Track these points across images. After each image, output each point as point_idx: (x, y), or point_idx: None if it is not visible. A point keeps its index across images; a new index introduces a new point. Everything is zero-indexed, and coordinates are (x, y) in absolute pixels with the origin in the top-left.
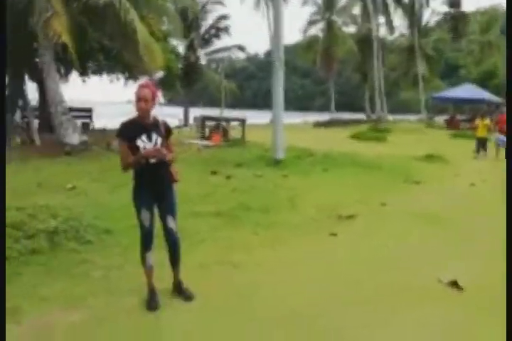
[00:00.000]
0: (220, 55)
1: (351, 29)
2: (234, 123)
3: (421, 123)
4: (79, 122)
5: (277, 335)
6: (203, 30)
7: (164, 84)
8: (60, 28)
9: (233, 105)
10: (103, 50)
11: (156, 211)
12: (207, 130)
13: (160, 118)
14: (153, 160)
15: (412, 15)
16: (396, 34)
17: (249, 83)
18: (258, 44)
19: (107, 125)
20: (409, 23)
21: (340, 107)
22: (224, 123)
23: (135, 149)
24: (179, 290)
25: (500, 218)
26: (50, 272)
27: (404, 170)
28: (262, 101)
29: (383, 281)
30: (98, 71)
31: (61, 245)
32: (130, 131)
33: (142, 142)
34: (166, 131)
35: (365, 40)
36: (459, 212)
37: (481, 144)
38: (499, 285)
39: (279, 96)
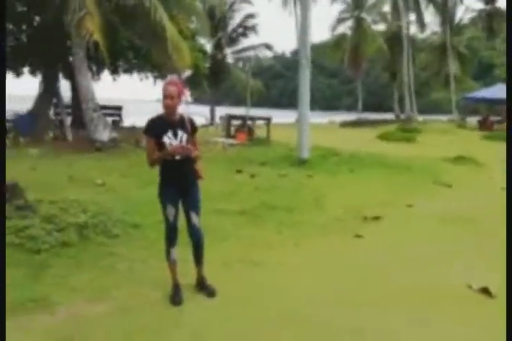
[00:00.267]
0: (247, 53)
1: (381, 27)
2: (259, 122)
3: (452, 123)
4: (109, 119)
5: (296, 334)
6: (230, 28)
7: (192, 82)
8: (93, 27)
9: (259, 104)
10: (133, 48)
11: (181, 207)
12: (232, 129)
13: (186, 115)
14: (178, 157)
15: (445, 12)
16: (427, 32)
17: (276, 82)
18: (285, 42)
19: (136, 123)
20: (441, 20)
21: (368, 107)
22: (249, 122)
23: (161, 145)
24: (202, 286)
25: None
26: (79, 264)
27: (434, 172)
28: (287, 100)
29: (408, 285)
30: (128, 69)
31: (90, 238)
32: (157, 127)
33: (168, 139)
34: (192, 128)
35: (394, 38)
36: (488, 216)
37: None
38: None
39: (305, 95)
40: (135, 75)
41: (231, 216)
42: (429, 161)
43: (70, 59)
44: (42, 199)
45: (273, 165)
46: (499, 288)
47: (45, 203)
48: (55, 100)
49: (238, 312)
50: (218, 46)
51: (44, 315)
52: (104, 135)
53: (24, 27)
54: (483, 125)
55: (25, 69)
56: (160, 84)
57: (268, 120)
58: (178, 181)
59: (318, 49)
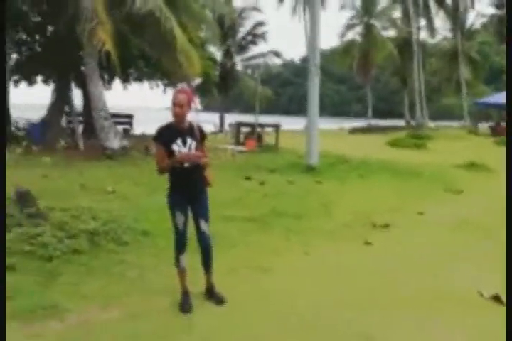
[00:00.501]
0: (256, 61)
1: (390, 33)
2: (268, 129)
3: (464, 129)
4: (120, 128)
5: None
6: (239, 36)
7: (201, 90)
8: (104, 37)
9: (268, 111)
10: (144, 57)
11: (190, 214)
12: (241, 136)
13: (195, 123)
14: (186, 164)
15: (456, 17)
16: (438, 37)
17: (285, 89)
18: (294, 49)
19: (146, 130)
20: (452, 25)
21: (377, 113)
22: (259, 129)
23: (171, 153)
24: (211, 293)
25: None
26: (90, 271)
27: (445, 179)
28: (296, 106)
29: (418, 292)
30: (139, 78)
31: (101, 246)
32: (166, 135)
33: (177, 146)
34: (201, 136)
35: (404, 44)
36: (500, 223)
37: None
38: None
39: (314, 102)
40: (145, 83)
41: (239, 222)
42: (439, 168)
43: (82, 68)
44: (53, 207)
45: (282, 172)
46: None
47: (56, 211)
48: (67, 108)
49: (247, 318)
50: (227, 54)
51: (55, 321)
52: (114, 143)
53: (38, 37)
54: (496, 131)
55: (39, 79)
56: (170, 92)
57: (277, 127)
58: (187, 188)
59: (327, 55)
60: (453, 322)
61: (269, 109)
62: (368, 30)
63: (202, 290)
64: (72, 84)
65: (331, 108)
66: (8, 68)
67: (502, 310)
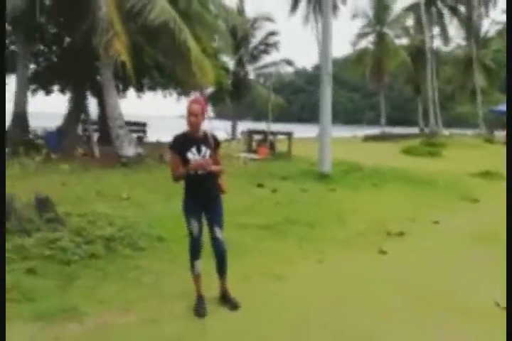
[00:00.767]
0: (268, 69)
1: (403, 41)
2: (281, 137)
3: (479, 138)
4: (134, 135)
5: None
6: (251, 46)
7: (214, 98)
8: (120, 48)
9: (280, 119)
10: (158, 67)
11: (204, 221)
12: (254, 143)
13: (209, 131)
14: (201, 172)
15: (469, 25)
16: (452, 45)
17: (297, 97)
18: (306, 57)
19: (159, 138)
20: (466, 33)
21: (391, 121)
22: (271, 137)
23: (186, 161)
24: (226, 299)
25: None
26: (107, 276)
27: (460, 187)
28: (309, 114)
29: (433, 303)
30: (153, 87)
31: (117, 251)
32: (181, 144)
33: (192, 154)
34: (215, 144)
35: (417, 52)
36: None
37: None
38: None
39: (326, 110)
40: (159, 92)
41: (253, 230)
42: (454, 176)
43: (98, 77)
44: (71, 213)
45: (294, 179)
46: None
47: (74, 216)
48: (83, 117)
49: (260, 325)
50: (240, 63)
51: (74, 324)
52: (129, 151)
53: (54, 48)
54: None
55: (55, 88)
56: (183, 100)
57: (289, 135)
58: (201, 195)
59: (339, 63)
60: (468, 333)
61: (282, 116)
62: (381, 39)
63: (216, 296)
64: (88, 93)
65: (343, 116)
66: (26, 78)
67: None
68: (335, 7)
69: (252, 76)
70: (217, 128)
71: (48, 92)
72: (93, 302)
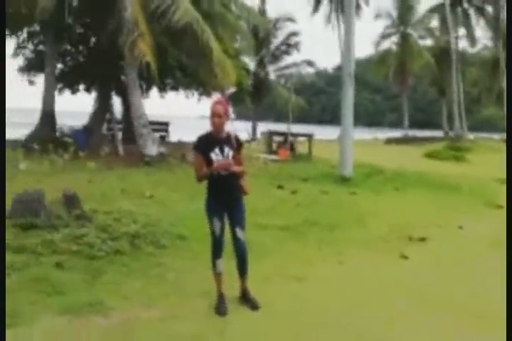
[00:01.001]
0: (289, 70)
1: (427, 42)
2: (301, 139)
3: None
4: (157, 135)
5: None
6: (273, 46)
7: (235, 99)
8: (145, 49)
9: (300, 120)
10: (181, 67)
11: (226, 221)
12: (274, 145)
13: (232, 132)
14: (224, 173)
15: (497, 26)
16: (479, 46)
17: (317, 98)
18: (327, 58)
19: (181, 138)
20: (493, 34)
21: (414, 124)
22: (291, 138)
23: (209, 161)
24: (246, 299)
25: None
26: (131, 272)
27: (485, 193)
28: (329, 116)
29: (455, 309)
30: (175, 87)
31: (140, 248)
32: (205, 144)
33: (215, 155)
34: (238, 145)
35: (442, 54)
36: None
37: None
38: None
39: (348, 112)
40: (181, 92)
41: (273, 231)
42: (479, 181)
43: (122, 77)
44: (97, 210)
45: (315, 181)
46: None
47: (99, 213)
48: (108, 116)
49: (279, 325)
50: (261, 63)
51: (100, 318)
52: (152, 150)
53: (81, 48)
54: None
55: (81, 87)
56: (204, 101)
57: (310, 137)
58: (224, 195)
59: (361, 64)
60: (489, 340)
61: (302, 118)
62: (405, 40)
63: (237, 295)
64: (112, 93)
65: (365, 117)
66: (54, 77)
67: None
68: (358, 7)
69: (272, 77)
70: (238, 129)
71: (74, 91)
72: (118, 298)
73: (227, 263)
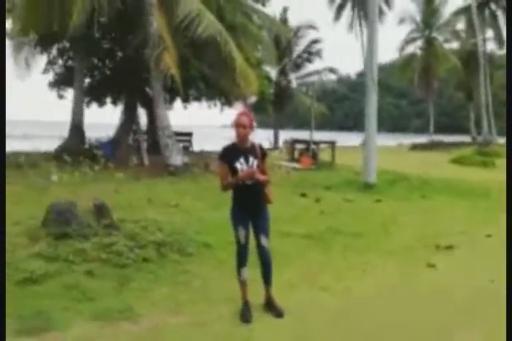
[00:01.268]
0: (311, 78)
1: (453, 45)
2: (323, 146)
3: None
4: (180, 145)
5: None
6: (295, 55)
7: (257, 108)
8: (170, 62)
9: (322, 127)
10: (203, 78)
11: (251, 229)
12: (296, 152)
13: (256, 142)
14: (249, 182)
15: None
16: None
17: (340, 104)
18: (349, 64)
19: (203, 148)
20: None
21: (440, 129)
22: (313, 146)
23: (234, 171)
24: (270, 306)
25: None
26: (158, 279)
27: None
28: (351, 122)
29: (483, 319)
30: (198, 97)
31: (167, 256)
32: (230, 154)
33: (240, 164)
34: (262, 154)
35: (469, 57)
36: None
37: None
38: None
39: (372, 117)
40: (203, 103)
41: (297, 239)
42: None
43: (147, 89)
44: (125, 219)
45: (338, 189)
46: None
47: (127, 222)
48: (133, 127)
49: (304, 334)
50: (283, 72)
51: (129, 324)
52: (177, 160)
53: (107, 62)
54: None
55: (108, 100)
56: (226, 111)
57: (332, 144)
58: (249, 204)
59: (385, 69)
60: None
61: (324, 124)
62: (429, 43)
63: (261, 303)
64: (137, 104)
65: (389, 123)
66: (83, 91)
67: None
68: (380, 12)
69: (294, 85)
70: (259, 138)
71: (102, 104)
72: (146, 304)
73: (252, 270)
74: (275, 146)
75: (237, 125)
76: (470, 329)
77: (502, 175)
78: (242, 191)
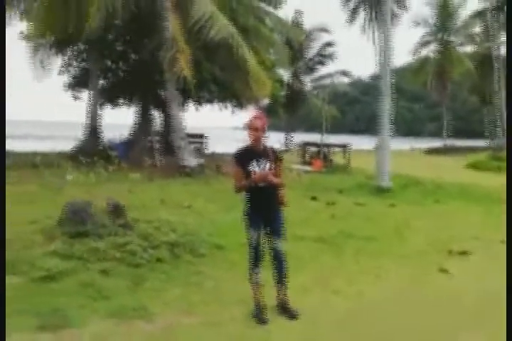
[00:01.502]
0: (323, 81)
1: (467, 48)
2: (336, 149)
3: None
4: (193, 147)
5: None
6: (307, 58)
7: (269, 111)
8: (184, 65)
9: (334, 130)
10: (215, 80)
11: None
12: (307, 155)
13: (269, 145)
14: (262, 184)
15: None
16: None
17: (351, 107)
18: (361, 66)
19: (215, 149)
20: None
21: (454, 133)
22: (325, 149)
23: (247, 173)
24: (284, 308)
25: None
26: (171, 279)
27: None
28: (363, 125)
29: (495, 326)
30: (210, 100)
31: (180, 256)
32: (243, 157)
33: (253, 167)
34: (276, 157)
35: (484, 60)
36: None
37: None
38: None
39: (385, 121)
40: (215, 105)
41: (309, 242)
42: None
43: (160, 91)
44: (138, 219)
45: (350, 193)
46: None
47: (141, 222)
48: (147, 128)
49: (316, 336)
50: (295, 75)
51: (144, 322)
52: (191, 161)
53: (121, 64)
54: None
55: (121, 101)
56: (238, 113)
57: (344, 147)
58: (262, 207)
59: (398, 72)
60: None
61: (335, 127)
62: (444, 47)
63: (273, 304)
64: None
65: (402, 127)
66: (97, 92)
67: None
68: (394, 16)
69: (307, 88)
70: (271, 140)
71: (115, 106)
72: (159, 303)
73: (265, 272)
74: (287, 149)
75: (250, 128)
76: (479, 334)
77: None
78: (255, 193)
